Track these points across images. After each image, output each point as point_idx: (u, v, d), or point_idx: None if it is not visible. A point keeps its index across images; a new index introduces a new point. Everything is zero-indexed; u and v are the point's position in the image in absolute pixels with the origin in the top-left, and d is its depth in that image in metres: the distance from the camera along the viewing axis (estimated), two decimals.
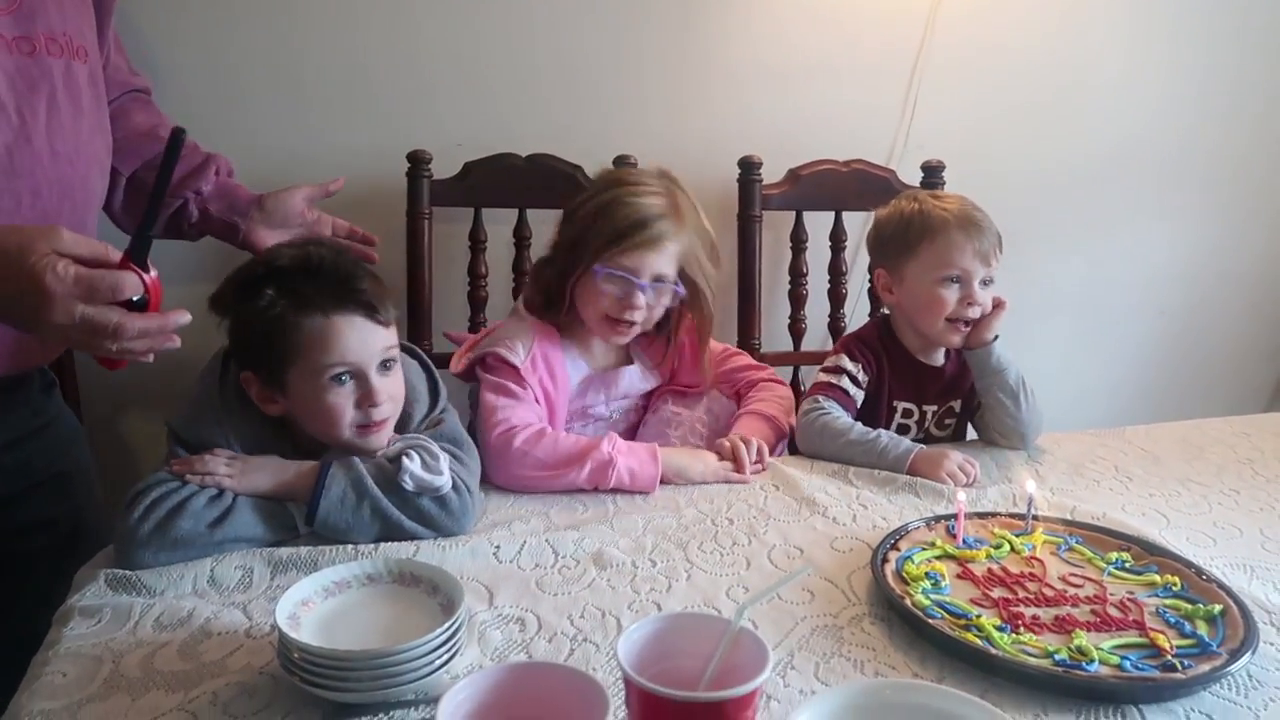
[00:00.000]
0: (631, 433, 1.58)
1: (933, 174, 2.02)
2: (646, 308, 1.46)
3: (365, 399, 1.17)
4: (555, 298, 1.50)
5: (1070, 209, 2.26)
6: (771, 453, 1.50)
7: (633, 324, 1.47)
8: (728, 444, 1.43)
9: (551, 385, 1.46)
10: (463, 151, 1.85)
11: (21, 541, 1.31)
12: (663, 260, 1.46)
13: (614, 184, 1.50)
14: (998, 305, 1.52)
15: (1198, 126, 2.28)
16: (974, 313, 1.50)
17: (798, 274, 2.02)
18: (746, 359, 1.70)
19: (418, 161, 1.82)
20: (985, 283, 1.51)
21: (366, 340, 1.17)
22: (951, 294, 1.49)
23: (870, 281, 1.64)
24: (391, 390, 1.21)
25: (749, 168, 1.94)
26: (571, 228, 1.50)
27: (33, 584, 1.27)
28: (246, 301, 1.16)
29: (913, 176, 2.03)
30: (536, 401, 1.43)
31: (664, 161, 1.95)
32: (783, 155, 1.98)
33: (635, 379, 1.58)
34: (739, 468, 1.40)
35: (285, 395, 1.18)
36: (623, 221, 1.44)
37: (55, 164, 1.20)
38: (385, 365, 1.20)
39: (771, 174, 1.97)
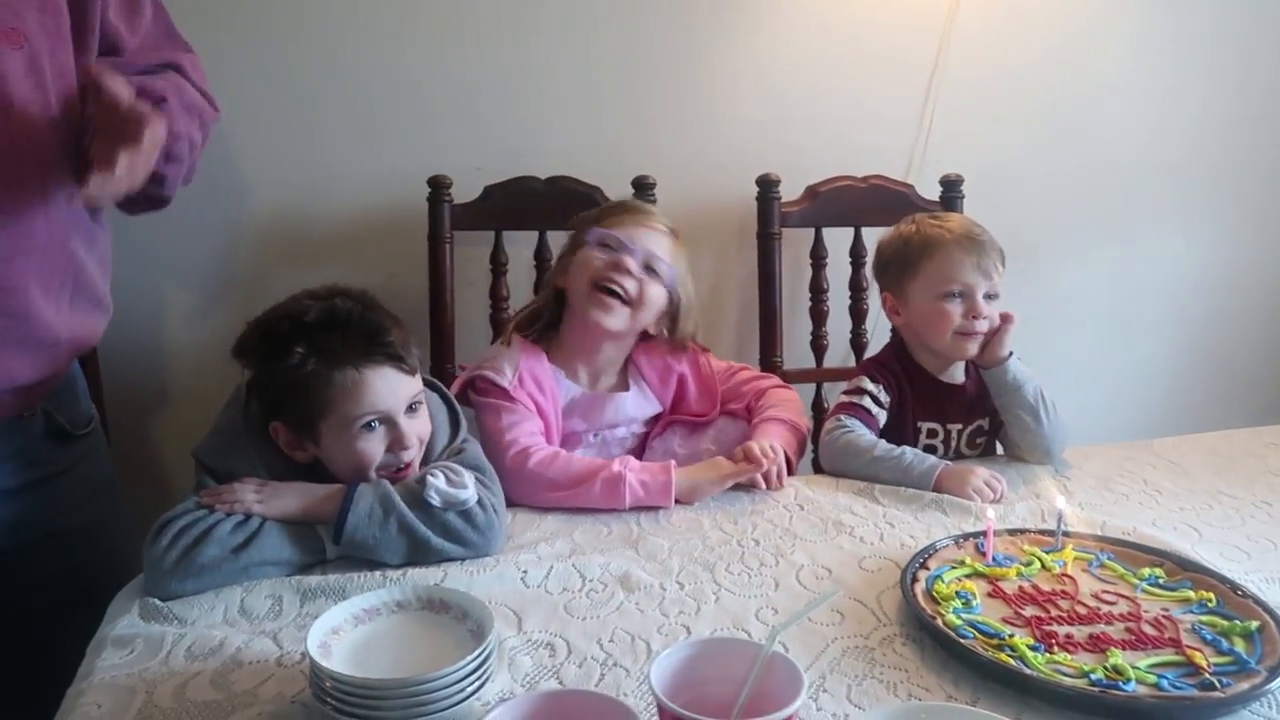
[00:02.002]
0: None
1: (951, 188, 2.02)
2: (636, 281, 1.45)
3: (396, 443, 1.21)
4: (549, 303, 1.54)
5: (1091, 220, 2.25)
6: (795, 456, 1.49)
7: (620, 297, 1.44)
8: (739, 451, 1.42)
9: (542, 398, 1.47)
10: (483, 175, 1.87)
11: (20, 598, 1.26)
12: (656, 240, 1.48)
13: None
14: (1005, 320, 1.52)
15: (1220, 136, 2.27)
16: (981, 325, 1.50)
17: (818, 291, 2.02)
18: (751, 371, 1.68)
19: (438, 186, 1.84)
20: (989, 296, 1.51)
21: (395, 389, 1.20)
22: (955, 308, 1.50)
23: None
24: (419, 430, 1.24)
25: (767, 185, 1.95)
26: (572, 229, 1.56)
27: (32, 642, 1.26)
28: (275, 358, 1.17)
29: (931, 191, 2.03)
30: (532, 414, 1.44)
31: (683, 181, 1.98)
32: (801, 172, 1.98)
33: (629, 406, 1.55)
34: (755, 463, 1.38)
35: (316, 444, 1.21)
36: (619, 203, 1.53)
37: None
38: (412, 408, 1.23)
39: (790, 191, 1.97)
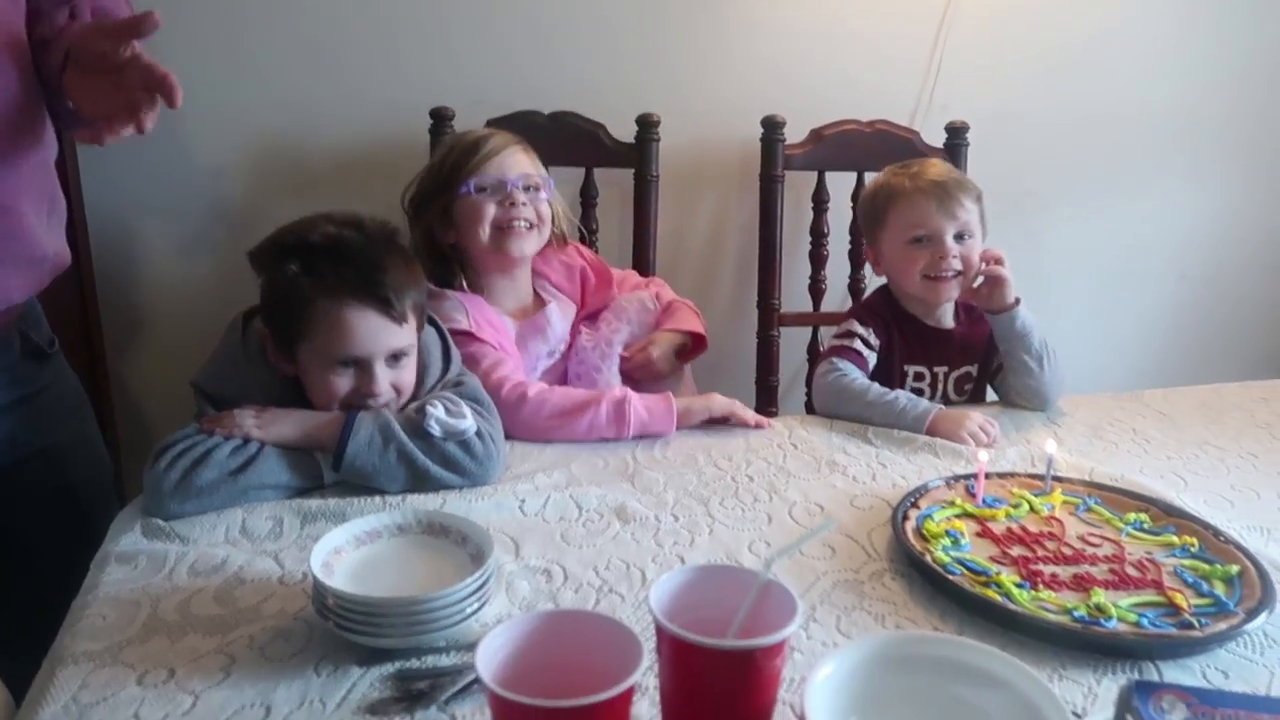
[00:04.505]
0: (562, 380, 1.57)
1: (956, 135, 2.01)
2: (530, 208, 1.50)
3: (364, 386, 1.21)
4: (443, 259, 1.54)
5: (1093, 172, 2.25)
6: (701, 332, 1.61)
7: (520, 225, 1.49)
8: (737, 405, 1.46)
9: (500, 338, 1.48)
10: (485, 109, 1.85)
11: (16, 515, 1.27)
12: (521, 161, 1.52)
13: (444, 145, 1.59)
14: (991, 261, 1.53)
15: (1225, 90, 2.26)
16: (952, 265, 1.52)
17: (819, 234, 2.02)
18: (638, 277, 1.75)
19: (440, 118, 1.82)
20: (961, 237, 1.53)
21: (376, 334, 1.19)
22: (921, 253, 1.53)
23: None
24: (398, 380, 1.24)
25: (772, 127, 1.93)
26: (420, 191, 1.55)
27: (29, 557, 1.27)
28: (272, 269, 1.20)
29: (936, 137, 2.02)
30: (503, 355, 1.46)
31: (686, 120, 1.96)
32: (806, 115, 1.97)
33: (558, 316, 1.59)
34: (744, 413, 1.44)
35: (294, 363, 1.22)
36: (466, 147, 1.51)
37: None
38: (396, 358, 1.22)
39: (794, 134, 1.96)
